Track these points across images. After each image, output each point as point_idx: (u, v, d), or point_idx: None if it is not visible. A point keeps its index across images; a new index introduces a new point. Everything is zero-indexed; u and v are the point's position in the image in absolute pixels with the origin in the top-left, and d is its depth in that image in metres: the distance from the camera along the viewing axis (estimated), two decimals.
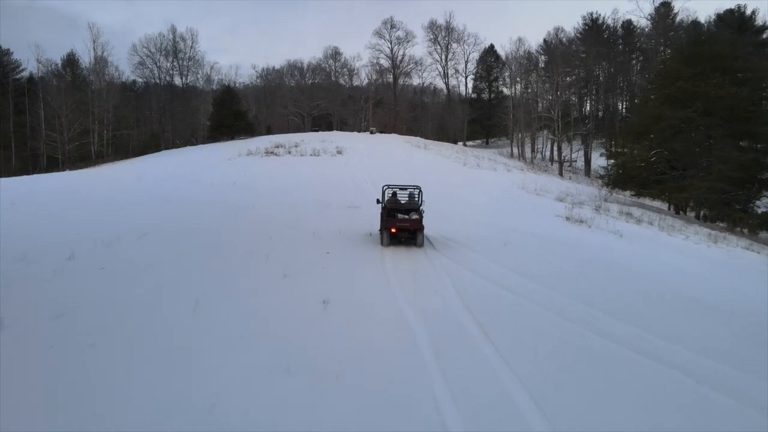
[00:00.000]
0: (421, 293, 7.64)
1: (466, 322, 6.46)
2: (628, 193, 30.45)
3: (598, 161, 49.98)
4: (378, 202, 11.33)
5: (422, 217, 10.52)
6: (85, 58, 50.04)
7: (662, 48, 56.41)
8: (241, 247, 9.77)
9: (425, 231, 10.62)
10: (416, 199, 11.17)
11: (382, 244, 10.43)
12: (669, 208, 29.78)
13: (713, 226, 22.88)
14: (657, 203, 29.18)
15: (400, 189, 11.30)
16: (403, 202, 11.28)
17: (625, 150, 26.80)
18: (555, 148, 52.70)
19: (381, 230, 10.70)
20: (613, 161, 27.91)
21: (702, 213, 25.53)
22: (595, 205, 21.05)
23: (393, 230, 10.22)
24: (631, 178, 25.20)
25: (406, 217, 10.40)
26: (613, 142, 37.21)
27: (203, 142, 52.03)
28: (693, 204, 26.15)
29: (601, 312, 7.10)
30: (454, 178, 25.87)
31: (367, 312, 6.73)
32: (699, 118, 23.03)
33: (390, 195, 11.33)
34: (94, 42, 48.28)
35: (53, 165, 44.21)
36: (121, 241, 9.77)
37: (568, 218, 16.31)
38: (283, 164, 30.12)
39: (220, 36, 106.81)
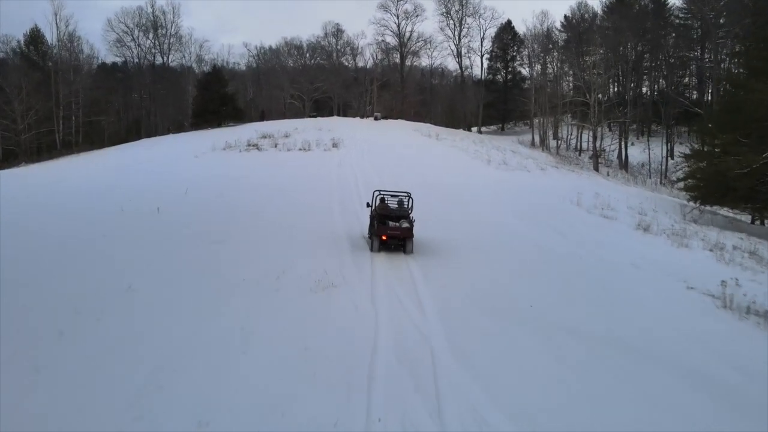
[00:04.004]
0: None
1: None
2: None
3: (632, 153, 41.65)
4: (368, 205, 10.84)
5: (413, 225, 9.84)
6: (48, 35, 41.67)
7: (698, 24, 47.41)
8: None
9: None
10: (406, 205, 10.59)
11: (371, 250, 9.76)
12: (752, 222, 21.86)
13: None
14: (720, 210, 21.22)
15: (392, 195, 10.72)
16: (392, 207, 10.48)
17: (717, 150, 18.67)
18: (583, 137, 44.48)
19: (370, 236, 10.17)
20: (696, 164, 19.84)
21: None
22: (711, 244, 13.15)
23: (384, 237, 9.61)
24: (728, 190, 17.24)
25: (397, 225, 9.73)
26: (698, 139, 28.62)
27: (187, 130, 44.26)
28: None
29: None
30: (484, 191, 18.01)
31: None
32: None
33: (379, 200, 10.52)
34: (56, 15, 39.94)
35: (13, 157, 36.70)
36: None
37: (724, 304, 8.32)
38: (261, 164, 22.39)
39: (232, 15, 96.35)
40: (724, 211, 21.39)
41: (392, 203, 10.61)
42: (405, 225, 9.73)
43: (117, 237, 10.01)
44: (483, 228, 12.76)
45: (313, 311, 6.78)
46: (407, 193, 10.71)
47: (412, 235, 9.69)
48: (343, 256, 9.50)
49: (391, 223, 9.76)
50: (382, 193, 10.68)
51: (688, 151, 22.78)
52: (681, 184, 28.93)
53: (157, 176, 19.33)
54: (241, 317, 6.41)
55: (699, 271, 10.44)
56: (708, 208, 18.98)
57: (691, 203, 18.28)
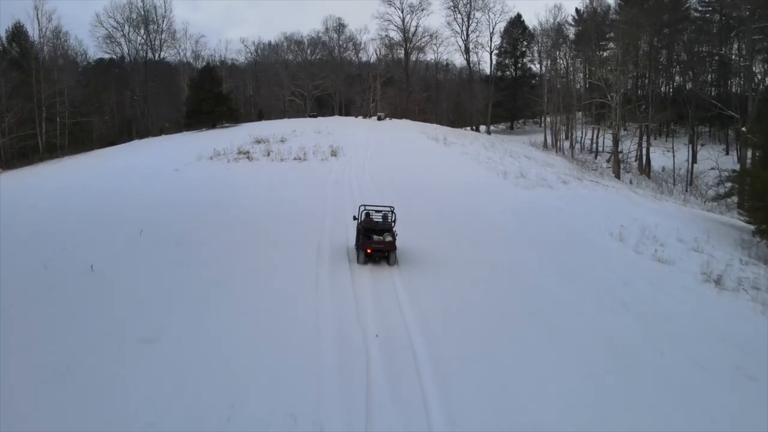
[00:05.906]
0: None
1: None
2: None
3: (653, 156, 38.07)
4: (354, 218, 11.07)
5: (395, 238, 10.16)
6: (31, 31, 38.24)
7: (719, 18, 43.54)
8: None
9: None
10: (390, 219, 10.80)
11: (357, 262, 10.13)
12: None
13: None
14: None
15: (376, 210, 10.96)
16: (377, 221, 10.74)
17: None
18: (598, 138, 41.01)
19: (357, 248, 10.49)
20: (751, 183, 16.44)
21: None
22: None
23: (369, 251, 9.95)
24: None
25: (381, 238, 10.07)
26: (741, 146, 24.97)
27: (181, 131, 41.04)
28: None
29: None
30: (509, 223, 14.68)
31: None
32: None
33: (364, 215, 10.75)
34: (37, 10, 36.50)
35: None
36: None
37: None
38: (247, 182, 19.12)
39: (241, 7, 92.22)
40: None
41: (377, 217, 10.92)
42: (388, 239, 10.09)
43: (6, 332, 6.84)
44: (518, 299, 9.34)
45: None
46: (390, 207, 11.09)
47: (395, 248, 10.05)
48: (323, 372, 6.27)
49: (375, 237, 10.06)
50: (366, 207, 10.98)
51: (726, 160, 19.27)
52: (718, 198, 25.60)
53: (121, 201, 16.05)
54: None
55: None
56: None
57: (757, 237, 14.89)
